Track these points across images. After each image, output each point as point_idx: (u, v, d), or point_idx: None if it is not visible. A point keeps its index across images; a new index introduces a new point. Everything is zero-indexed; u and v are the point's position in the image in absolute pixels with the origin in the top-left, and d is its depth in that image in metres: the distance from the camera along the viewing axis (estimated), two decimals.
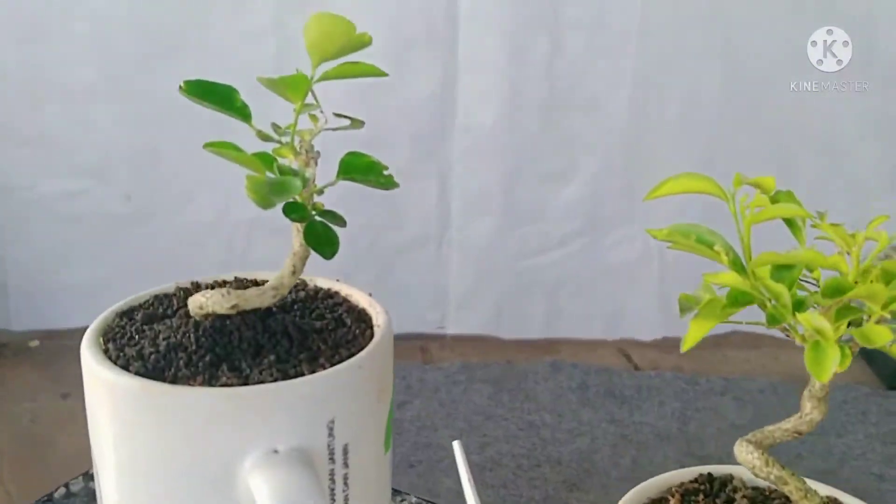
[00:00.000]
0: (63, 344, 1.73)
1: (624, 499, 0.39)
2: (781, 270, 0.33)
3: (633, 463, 1.40)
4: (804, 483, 0.35)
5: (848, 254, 0.33)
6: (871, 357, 1.63)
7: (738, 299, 0.31)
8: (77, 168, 1.62)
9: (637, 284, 1.76)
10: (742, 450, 0.36)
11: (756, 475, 0.35)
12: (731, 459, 1.49)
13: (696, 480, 0.41)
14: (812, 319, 0.30)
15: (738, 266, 0.33)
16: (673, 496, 0.40)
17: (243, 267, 1.72)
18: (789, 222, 0.36)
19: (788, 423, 0.37)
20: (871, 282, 0.34)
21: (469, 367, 1.64)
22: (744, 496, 0.40)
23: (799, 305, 0.31)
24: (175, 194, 1.60)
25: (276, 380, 0.29)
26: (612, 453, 1.42)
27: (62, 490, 0.45)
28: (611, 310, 1.76)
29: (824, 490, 0.41)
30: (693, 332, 0.33)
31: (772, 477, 0.35)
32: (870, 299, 0.30)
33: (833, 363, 0.30)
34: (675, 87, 1.60)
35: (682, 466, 1.42)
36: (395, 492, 0.46)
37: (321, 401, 0.28)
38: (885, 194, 1.66)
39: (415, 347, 1.73)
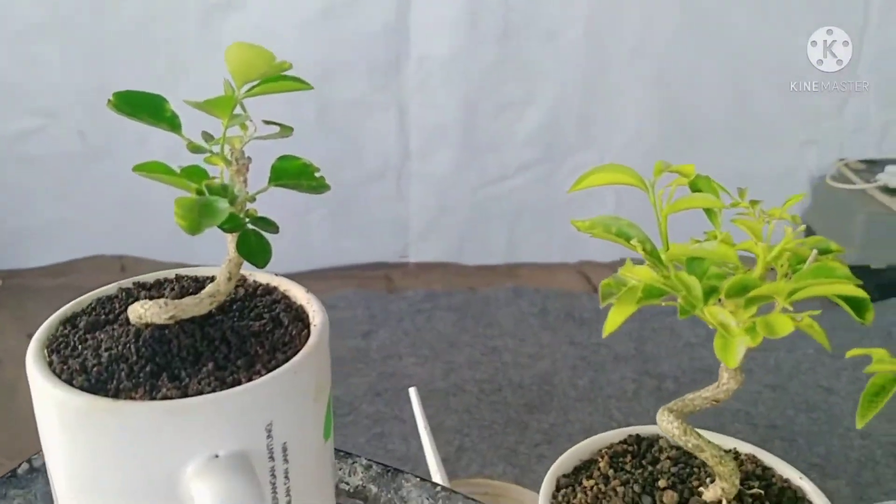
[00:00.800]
0: (25, 284, 1.73)
1: (556, 462, 0.42)
2: (696, 261, 0.34)
3: (591, 384, 1.45)
4: (720, 449, 0.38)
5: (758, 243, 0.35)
6: None
7: (652, 292, 0.33)
8: (29, 108, 1.59)
9: (595, 208, 1.78)
10: (663, 419, 0.38)
11: (675, 443, 0.38)
12: (685, 377, 1.52)
13: (624, 442, 0.44)
14: (717, 314, 0.32)
15: (655, 257, 0.35)
16: (602, 458, 0.42)
17: None
18: (707, 209, 0.38)
19: (707, 392, 0.40)
20: (782, 265, 0.36)
21: (433, 295, 1.67)
22: (668, 457, 0.42)
23: (712, 293, 0.34)
24: (129, 131, 1.58)
25: (214, 389, 0.30)
26: (571, 375, 1.47)
27: (25, 466, 0.47)
28: (570, 234, 1.79)
29: (746, 448, 0.43)
30: (612, 319, 0.35)
31: (689, 445, 0.38)
32: (774, 294, 0.32)
33: (739, 351, 0.33)
34: (632, 15, 1.59)
35: (639, 385, 1.47)
36: (347, 454, 0.49)
37: (259, 407, 0.30)
38: (834, 117, 1.69)
39: (379, 277, 1.76)
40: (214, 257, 0.42)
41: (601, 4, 1.56)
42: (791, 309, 0.33)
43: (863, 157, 1.73)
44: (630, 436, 0.44)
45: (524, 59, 1.60)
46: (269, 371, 0.31)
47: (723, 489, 0.38)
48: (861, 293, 0.34)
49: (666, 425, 0.38)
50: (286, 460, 0.31)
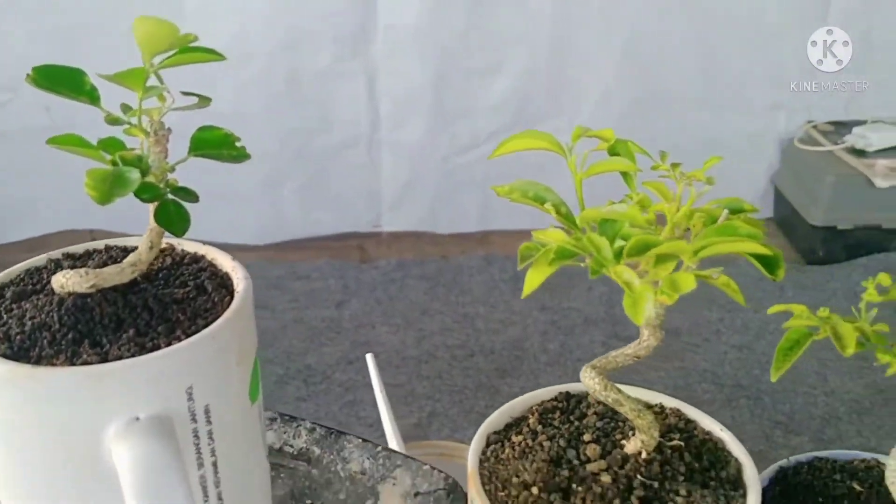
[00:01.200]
0: None
1: (487, 420, 0.43)
2: (608, 222, 0.36)
3: (561, 347, 1.47)
4: (638, 403, 0.39)
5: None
6: (792, 233, 1.71)
7: (564, 254, 0.35)
8: None
9: (565, 174, 1.79)
10: (586, 375, 0.40)
11: (597, 398, 0.39)
12: None
13: (555, 399, 0.45)
14: (622, 273, 0.33)
15: (569, 220, 0.36)
16: (532, 414, 0.44)
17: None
18: (623, 172, 0.39)
19: (629, 349, 0.41)
20: (695, 225, 0.37)
21: (405, 264, 1.68)
22: (594, 413, 0.44)
23: (621, 255, 0.35)
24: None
25: (133, 354, 0.31)
26: (541, 340, 1.49)
27: None
28: None
29: (671, 403, 0.45)
30: (530, 280, 0.36)
31: (610, 399, 0.39)
32: (678, 252, 0.33)
33: (646, 308, 0.34)
34: None
35: (608, 348, 1.49)
36: (291, 418, 0.50)
37: (178, 371, 0.31)
38: (804, 78, 1.70)
39: (352, 247, 1.76)
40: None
41: None
42: (693, 267, 0.34)
43: (831, 120, 1.74)
44: (560, 393, 0.45)
45: (492, 26, 1.60)
46: (189, 336, 0.32)
47: (642, 441, 0.40)
48: (767, 250, 0.35)
49: (588, 381, 0.40)
50: (209, 422, 0.32)
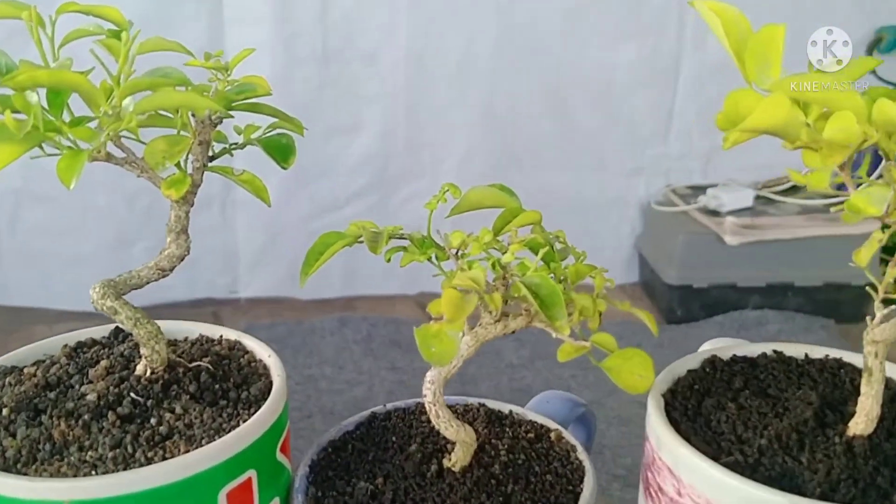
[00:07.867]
0: None
1: (8, 354, 0.38)
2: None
3: None
4: (136, 312, 0.35)
5: None
6: (653, 295, 1.69)
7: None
8: None
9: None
10: (92, 290, 0.35)
11: (95, 307, 0.35)
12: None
13: (103, 336, 0.40)
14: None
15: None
16: (65, 348, 0.39)
17: (13, 235, 1.61)
18: None
19: (152, 262, 0.37)
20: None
21: (254, 327, 1.61)
22: (135, 343, 0.39)
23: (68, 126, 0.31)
24: None
25: None
26: (387, 399, 1.42)
27: None
28: (407, 265, 1.77)
29: (232, 335, 0.40)
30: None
31: (105, 308, 0.35)
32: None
33: (77, 171, 0.30)
34: (451, 38, 1.61)
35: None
36: None
37: None
38: (657, 144, 1.72)
39: (206, 314, 1.70)
40: None
41: (420, 29, 1.58)
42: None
43: (689, 184, 1.76)
44: (113, 330, 0.40)
45: (347, 84, 1.60)
46: None
47: (147, 359, 0.35)
48: (211, 103, 0.32)
49: (91, 292, 0.35)
50: None
